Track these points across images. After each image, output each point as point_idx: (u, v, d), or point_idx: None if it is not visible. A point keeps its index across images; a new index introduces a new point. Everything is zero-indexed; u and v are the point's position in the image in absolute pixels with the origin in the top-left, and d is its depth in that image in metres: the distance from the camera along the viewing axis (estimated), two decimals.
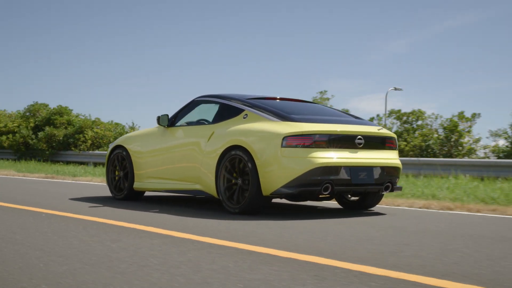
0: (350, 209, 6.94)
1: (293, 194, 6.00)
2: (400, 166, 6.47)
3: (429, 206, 7.25)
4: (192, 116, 7.38)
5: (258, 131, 6.12)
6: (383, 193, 6.46)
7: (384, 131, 6.46)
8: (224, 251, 3.93)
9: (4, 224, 5.13)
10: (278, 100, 6.94)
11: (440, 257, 3.85)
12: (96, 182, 12.01)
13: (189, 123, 7.27)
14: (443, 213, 6.76)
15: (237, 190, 6.21)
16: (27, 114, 27.73)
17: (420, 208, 7.22)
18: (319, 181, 5.84)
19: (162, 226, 5.13)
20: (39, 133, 25.42)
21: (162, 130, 7.45)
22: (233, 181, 6.28)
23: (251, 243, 4.22)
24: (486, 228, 5.49)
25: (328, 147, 5.94)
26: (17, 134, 26.02)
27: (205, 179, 6.58)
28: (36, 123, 26.74)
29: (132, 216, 5.89)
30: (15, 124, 26.96)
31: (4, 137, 26.62)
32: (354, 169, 6.01)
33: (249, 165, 6.02)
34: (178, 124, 7.33)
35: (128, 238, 4.46)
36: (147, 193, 8.91)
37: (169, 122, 7.34)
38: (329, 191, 5.91)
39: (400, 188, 6.51)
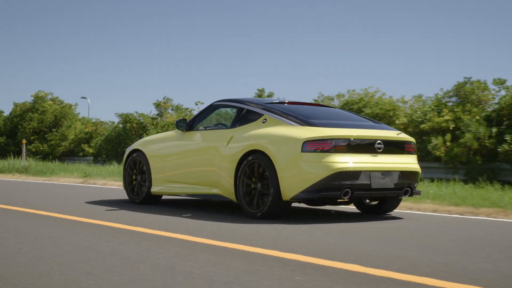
0: (368, 214, 6.93)
1: (313, 199, 6.01)
2: (419, 170, 6.46)
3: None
4: (210, 120, 7.41)
5: (277, 135, 6.13)
6: (402, 197, 6.44)
7: (403, 136, 6.45)
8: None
9: None
10: (296, 105, 6.94)
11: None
12: None
13: (207, 127, 7.29)
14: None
15: (257, 195, 6.23)
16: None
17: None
18: (339, 186, 5.84)
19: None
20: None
21: (180, 134, 7.47)
22: (253, 185, 6.29)
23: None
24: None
25: (348, 152, 5.95)
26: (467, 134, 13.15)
27: (223, 183, 6.60)
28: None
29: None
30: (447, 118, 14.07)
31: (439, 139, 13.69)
32: (373, 174, 6.01)
33: (269, 169, 6.03)
34: (196, 128, 7.35)
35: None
36: (164, 197, 8.92)
37: (187, 126, 7.36)
38: (348, 196, 5.91)
39: (419, 193, 6.50)
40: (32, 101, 31.84)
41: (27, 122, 30.35)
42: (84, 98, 42.57)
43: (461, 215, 7.01)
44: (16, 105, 32.10)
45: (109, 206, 7.34)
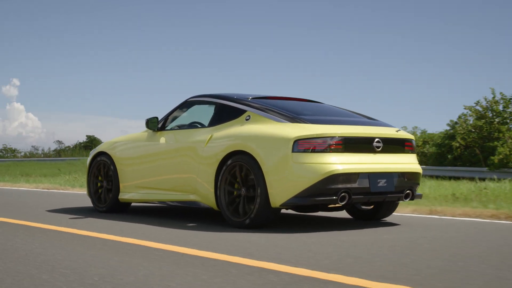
0: (361, 220, 6.28)
1: (305, 205, 5.33)
2: (421, 171, 5.83)
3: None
4: (185, 118, 6.65)
5: (264, 134, 5.42)
6: (403, 200, 5.78)
7: (403, 133, 5.82)
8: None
9: None
10: (282, 100, 6.25)
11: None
12: None
13: (181, 127, 6.54)
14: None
15: (241, 201, 5.51)
16: None
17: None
18: (335, 190, 5.16)
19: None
20: None
21: (151, 134, 6.69)
22: (236, 191, 5.58)
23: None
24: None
25: (344, 152, 5.28)
26: None
27: (201, 189, 5.86)
28: None
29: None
30: None
31: None
32: (373, 176, 5.36)
33: (255, 173, 5.32)
34: (169, 127, 6.59)
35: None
36: (133, 205, 8.12)
37: (159, 125, 6.60)
38: (346, 201, 5.24)
39: (420, 196, 5.87)
40: None
41: None
42: None
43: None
44: None
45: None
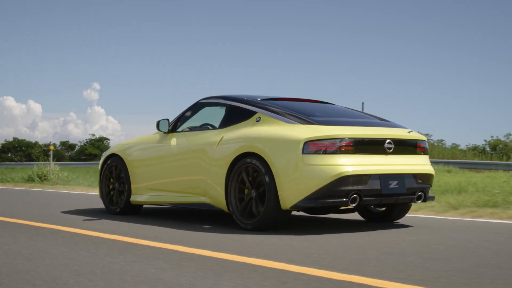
0: (373, 222, 6.22)
1: (316, 207, 5.29)
2: (433, 172, 5.76)
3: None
4: (196, 120, 6.64)
5: (274, 136, 5.39)
6: (415, 202, 5.73)
7: (415, 134, 5.76)
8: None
9: None
10: (293, 101, 6.21)
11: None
12: None
13: (192, 128, 6.53)
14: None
15: (251, 203, 5.48)
16: None
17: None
18: (346, 192, 5.12)
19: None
20: None
21: (162, 136, 6.69)
22: (246, 192, 5.55)
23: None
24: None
25: (355, 153, 5.23)
26: None
27: (212, 191, 5.84)
28: None
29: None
30: None
31: None
32: (384, 178, 5.30)
33: (265, 175, 5.29)
34: (180, 129, 6.58)
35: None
36: (146, 206, 8.13)
37: (170, 127, 6.59)
38: (357, 203, 5.19)
39: (433, 198, 5.81)
40: None
41: None
42: None
43: None
44: None
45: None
